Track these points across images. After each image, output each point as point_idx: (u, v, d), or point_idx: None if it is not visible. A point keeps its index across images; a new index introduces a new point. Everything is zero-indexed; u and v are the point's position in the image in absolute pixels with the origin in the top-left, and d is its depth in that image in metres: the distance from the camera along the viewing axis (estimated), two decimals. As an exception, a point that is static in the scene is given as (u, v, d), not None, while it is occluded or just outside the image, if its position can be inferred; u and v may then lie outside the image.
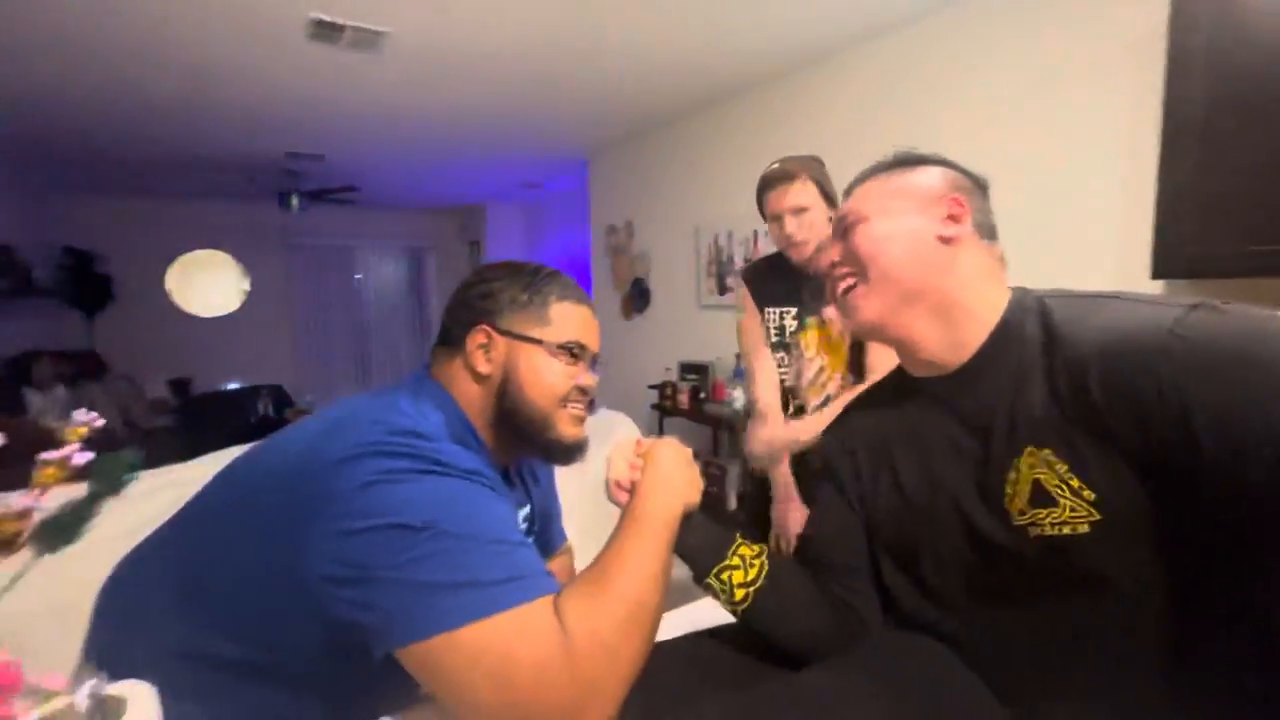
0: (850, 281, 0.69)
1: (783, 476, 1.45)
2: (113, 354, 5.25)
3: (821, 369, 1.46)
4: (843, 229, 0.71)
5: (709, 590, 0.76)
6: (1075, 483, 0.54)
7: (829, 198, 1.40)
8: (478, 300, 0.79)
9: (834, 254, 0.71)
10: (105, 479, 0.46)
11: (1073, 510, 0.54)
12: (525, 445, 0.80)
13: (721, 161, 3.36)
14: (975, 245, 0.66)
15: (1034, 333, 0.60)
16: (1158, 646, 0.54)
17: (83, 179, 4.80)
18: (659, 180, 3.87)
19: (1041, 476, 0.56)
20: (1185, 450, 0.48)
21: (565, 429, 0.80)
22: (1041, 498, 0.56)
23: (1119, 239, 1.81)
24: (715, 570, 0.75)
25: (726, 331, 3.10)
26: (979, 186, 0.70)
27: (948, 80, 2.27)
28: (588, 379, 0.82)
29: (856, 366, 1.41)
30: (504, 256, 0.83)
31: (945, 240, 0.65)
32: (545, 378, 0.77)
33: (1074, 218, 1.94)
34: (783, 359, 1.51)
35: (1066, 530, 0.54)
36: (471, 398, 0.78)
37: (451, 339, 0.80)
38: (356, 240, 6.77)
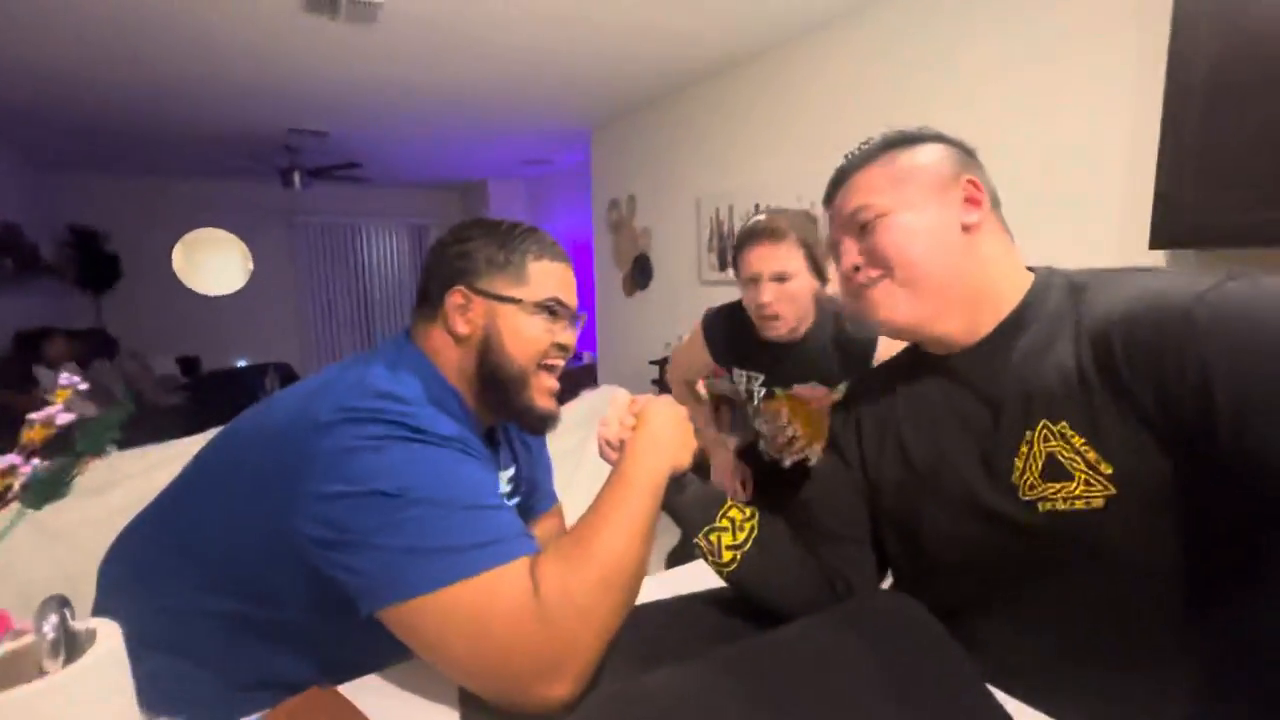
0: (874, 278, 0.66)
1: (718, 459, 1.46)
2: (121, 332, 5.31)
3: (794, 438, 1.34)
4: (859, 225, 0.66)
5: (697, 550, 0.77)
6: (1092, 456, 0.53)
7: (817, 269, 1.24)
8: (454, 260, 0.78)
9: (853, 255, 0.67)
10: (91, 439, 0.47)
11: (1088, 484, 0.53)
12: (501, 409, 0.80)
13: (722, 133, 3.32)
14: (993, 224, 0.65)
15: (1059, 306, 0.60)
16: (1163, 621, 0.54)
17: (85, 157, 4.81)
18: (661, 153, 3.83)
19: (1056, 450, 0.55)
20: (1202, 411, 0.47)
21: (538, 398, 0.80)
22: (1054, 471, 0.55)
23: (1119, 208, 1.78)
24: (704, 531, 0.75)
25: (727, 307, 3.09)
26: (973, 157, 0.68)
27: (947, 45, 2.22)
28: (566, 335, 0.82)
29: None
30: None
31: (968, 228, 0.63)
32: (525, 336, 0.77)
33: (1073, 187, 1.91)
34: (750, 407, 1.42)
35: (1079, 505, 0.54)
36: (451, 359, 0.78)
37: (429, 301, 0.79)
38: (360, 217, 6.77)
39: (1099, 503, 0.53)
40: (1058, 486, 0.55)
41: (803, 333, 1.30)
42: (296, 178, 4.47)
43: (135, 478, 1.99)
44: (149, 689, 0.73)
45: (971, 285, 0.63)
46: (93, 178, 5.42)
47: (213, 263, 6.14)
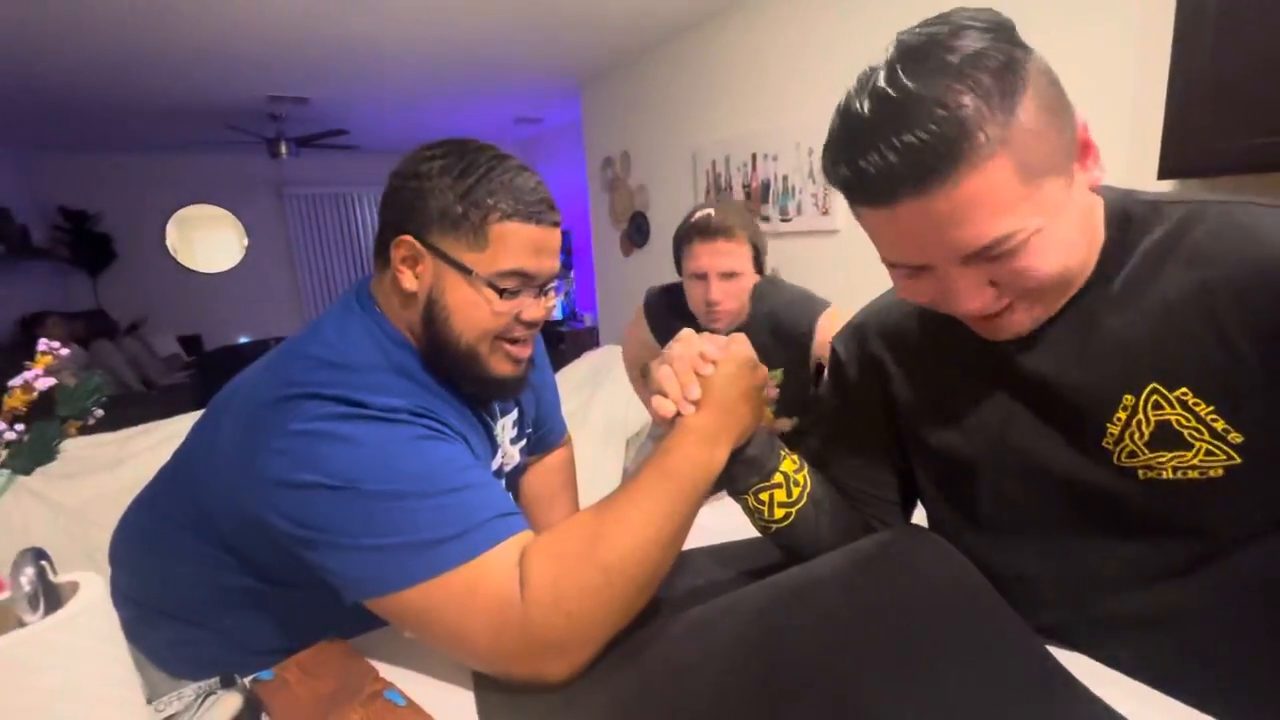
0: (1012, 304, 0.50)
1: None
2: (120, 313, 5.30)
3: None
4: (994, 255, 0.45)
5: (745, 505, 0.67)
6: (1220, 425, 0.47)
7: (759, 265, 1.26)
8: (406, 200, 0.65)
9: (985, 294, 0.48)
10: (71, 404, 0.46)
11: (1209, 454, 0.47)
12: (454, 380, 0.71)
13: (716, 83, 3.21)
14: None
15: (1155, 245, 0.50)
16: (1252, 596, 0.49)
17: (69, 136, 4.71)
18: (653, 107, 3.72)
19: (1172, 419, 0.48)
20: None
21: (497, 365, 0.70)
22: (1168, 440, 0.48)
23: (1129, 139, 1.73)
24: (755, 489, 0.65)
25: (726, 261, 3.05)
26: (1029, 51, 0.47)
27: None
28: (533, 310, 0.69)
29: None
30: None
31: (1096, 188, 0.51)
32: (473, 312, 0.65)
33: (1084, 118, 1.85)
34: None
35: (1194, 474, 0.48)
36: (402, 317, 0.68)
37: (381, 244, 0.68)
38: (352, 186, 6.65)
39: (1218, 473, 0.47)
40: (1170, 455, 0.49)
41: (739, 323, 1.33)
42: (283, 147, 4.38)
43: (144, 453, 2.03)
44: (170, 656, 0.74)
45: (1087, 243, 0.51)
46: (80, 158, 5.32)
47: (207, 239, 6.08)
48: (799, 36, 2.72)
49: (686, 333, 0.66)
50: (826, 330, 1.26)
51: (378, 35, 3.09)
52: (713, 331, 1.28)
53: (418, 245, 0.65)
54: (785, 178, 2.83)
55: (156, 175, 5.68)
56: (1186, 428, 0.48)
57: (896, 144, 0.42)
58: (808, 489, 0.66)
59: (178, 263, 5.90)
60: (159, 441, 2.15)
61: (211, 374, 4.81)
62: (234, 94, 3.89)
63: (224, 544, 0.68)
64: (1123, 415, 0.50)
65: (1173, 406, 0.48)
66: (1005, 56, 0.43)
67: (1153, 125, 1.46)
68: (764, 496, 0.65)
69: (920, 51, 0.43)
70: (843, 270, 2.57)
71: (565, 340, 5.22)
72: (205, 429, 0.72)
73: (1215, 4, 1.31)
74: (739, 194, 3.11)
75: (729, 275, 1.23)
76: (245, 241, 6.21)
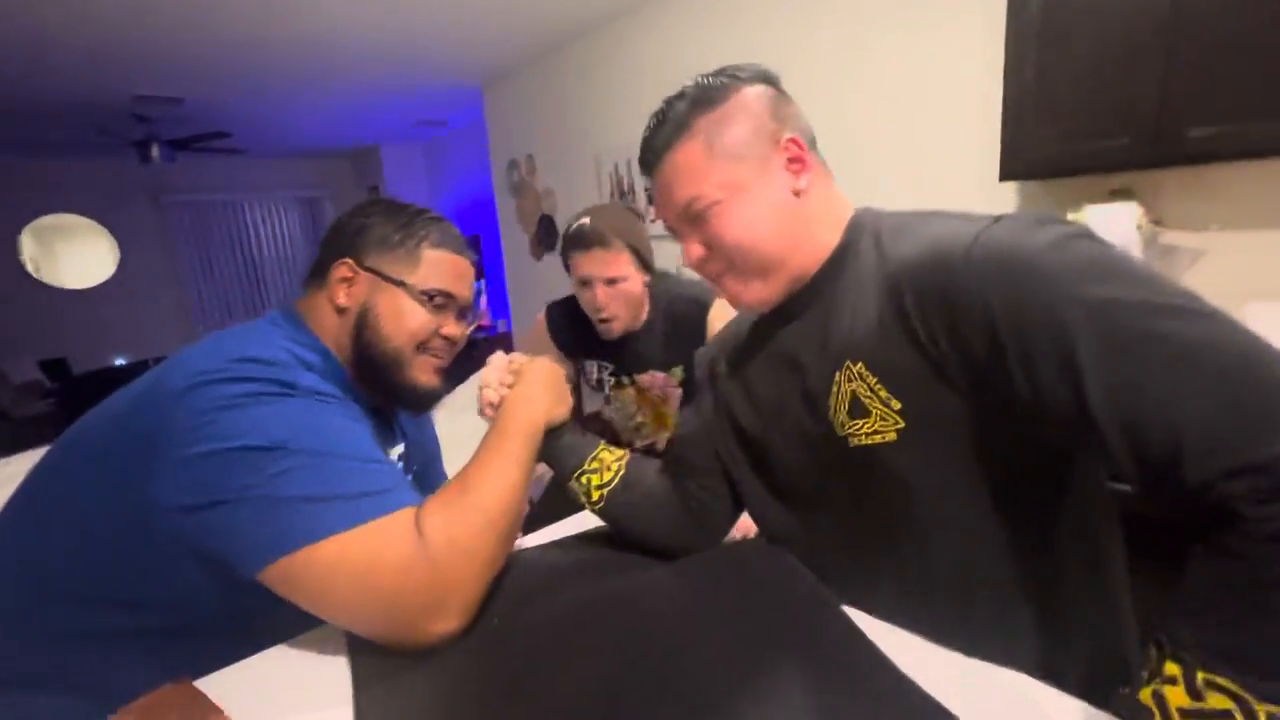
0: (721, 272, 0.65)
1: None
2: (-34, 338, 4.71)
3: (641, 424, 1.43)
4: (692, 216, 0.63)
5: (571, 493, 0.82)
6: (884, 393, 0.56)
7: (646, 264, 1.29)
8: (349, 234, 0.79)
9: (697, 249, 0.65)
10: None
11: (882, 419, 0.56)
12: (378, 388, 0.79)
13: (617, 85, 3.25)
14: (815, 173, 0.64)
15: (868, 250, 0.61)
16: (975, 550, 0.56)
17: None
18: (556, 110, 3.72)
19: (857, 389, 0.58)
20: (992, 356, 0.49)
21: (419, 374, 0.79)
22: (857, 409, 0.58)
23: (976, 146, 1.90)
24: (576, 474, 0.80)
25: (633, 263, 3.09)
26: (779, 89, 0.65)
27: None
28: (453, 328, 0.81)
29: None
30: (406, 200, 0.85)
31: (799, 193, 0.63)
32: (404, 320, 0.76)
33: (931, 128, 2.03)
34: (603, 395, 1.48)
35: (878, 439, 0.57)
36: (331, 330, 0.77)
37: (318, 271, 0.79)
38: (241, 192, 6.22)
39: (892, 436, 0.56)
40: (861, 423, 0.58)
41: (641, 322, 1.36)
42: (155, 150, 4.03)
43: (-8, 492, 1.80)
44: None
45: (806, 243, 0.64)
46: (-96, 162, 4.68)
47: (71, 252, 5.49)
48: (699, 39, 2.80)
49: (496, 355, 0.84)
50: (716, 323, 1.30)
51: (256, 32, 2.91)
52: (607, 335, 1.32)
53: (356, 267, 0.77)
54: (685, 180, 2.90)
55: (8, 181, 5.08)
56: (865, 397, 0.57)
57: (653, 132, 0.66)
58: (620, 474, 0.80)
59: (34, 279, 5.30)
60: (5, 480, 1.92)
61: (81, 401, 4.35)
62: (96, 93, 3.54)
63: (80, 582, 0.63)
64: (834, 389, 0.60)
65: (857, 379, 0.58)
66: (721, 84, 0.63)
67: (994, 132, 1.61)
68: (584, 480, 0.80)
69: (685, 89, 0.66)
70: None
71: (479, 347, 5.11)
72: (61, 461, 0.68)
73: (1040, 18, 1.46)
74: (641, 197, 3.17)
75: (611, 281, 1.25)
76: (117, 253, 5.66)
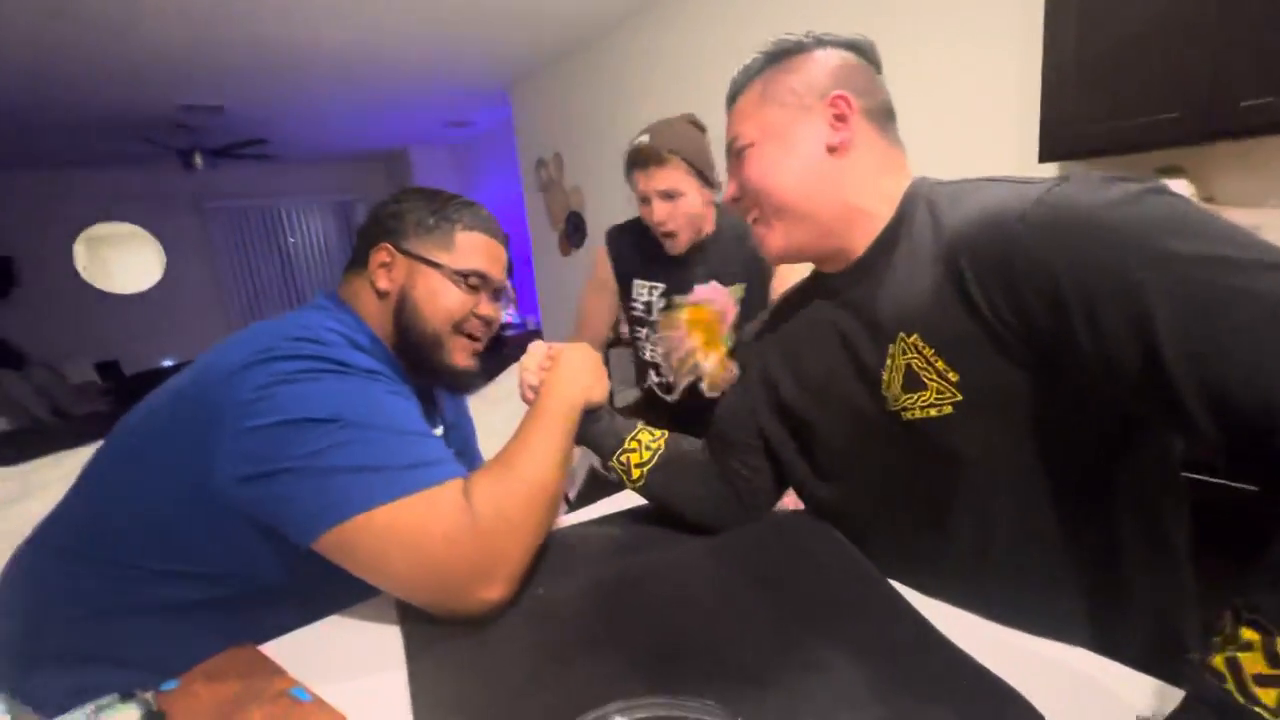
0: (754, 215, 0.67)
1: None
2: (28, 342, 4.95)
3: (692, 350, 1.37)
4: (733, 155, 0.67)
5: (612, 474, 0.83)
6: (941, 364, 0.54)
7: (706, 179, 1.26)
8: (386, 220, 0.81)
9: (732, 187, 0.68)
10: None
11: (939, 393, 0.55)
12: (419, 368, 0.81)
13: (644, 82, 3.25)
14: (867, 140, 0.62)
15: (923, 221, 0.59)
16: (1030, 527, 0.54)
17: (-46, 153, 4.37)
18: (583, 108, 3.74)
19: (912, 362, 0.56)
20: (1056, 319, 0.47)
21: (457, 357, 0.82)
22: (912, 382, 0.56)
23: (1014, 125, 1.85)
24: (616, 454, 0.81)
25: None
26: (868, 60, 0.65)
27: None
28: (488, 309, 0.83)
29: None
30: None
31: (834, 149, 0.62)
32: (441, 300, 0.79)
33: (965, 108, 1.97)
34: (645, 334, 1.42)
35: (933, 412, 0.55)
36: (373, 314, 0.80)
37: (359, 257, 0.82)
38: (278, 198, 6.40)
39: (948, 409, 0.54)
40: (915, 396, 0.56)
41: (706, 235, 1.33)
42: (198, 159, 4.18)
43: (51, 486, 1.90)
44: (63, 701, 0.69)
45: (841, 207, 0.62)
46: (-30, 176, 4.94)
47: (121, 259, 5.73)
48: (724, 32, 2.78)
49: (535, 343, 0.85)
50: (784, 276, 1.25)
51: (292, 40, 2.99)
52: (672, 250, 1.31)
53: (394, 251, 0.79)
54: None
55: (63, 193, 5.33)
56: (921, 369, 0.56)
57: (733, 81, 0.70)
58: (660, 452, 0.81)
59: (90, 285, 5.54)
60: (66, 474, 2.01)
61: (133, 399, 4.53)
62: (143, 104, 3.69)
63: (141, 557, 0.65)
64: (889, 363, 0.59)
65: (912, 351, 0.56)
66: (797, 43, 0.66)
67: (1033, 109, 1.57)
68: (624, 459, 0.81)
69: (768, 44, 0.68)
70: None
71: (509, 345, 5.18)
72: (121, 445, 0.71)
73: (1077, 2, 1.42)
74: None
75: (668, 195, 1.24)
76: (164, 258, 5.89)
